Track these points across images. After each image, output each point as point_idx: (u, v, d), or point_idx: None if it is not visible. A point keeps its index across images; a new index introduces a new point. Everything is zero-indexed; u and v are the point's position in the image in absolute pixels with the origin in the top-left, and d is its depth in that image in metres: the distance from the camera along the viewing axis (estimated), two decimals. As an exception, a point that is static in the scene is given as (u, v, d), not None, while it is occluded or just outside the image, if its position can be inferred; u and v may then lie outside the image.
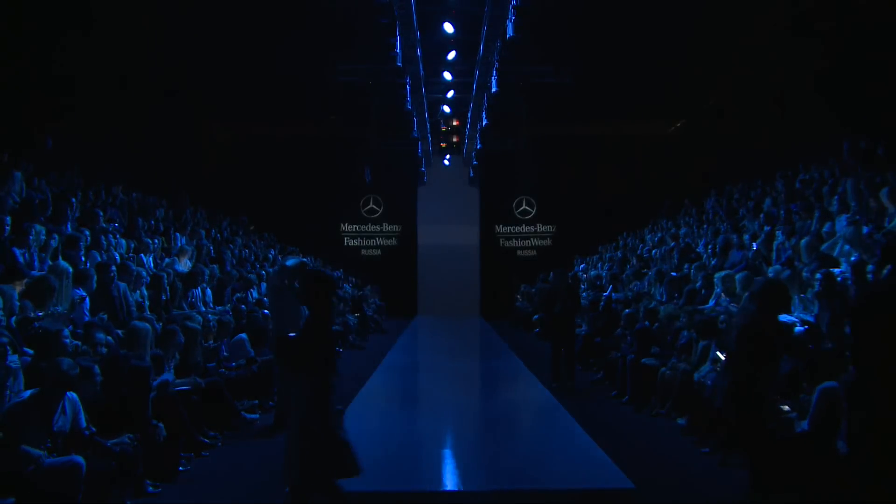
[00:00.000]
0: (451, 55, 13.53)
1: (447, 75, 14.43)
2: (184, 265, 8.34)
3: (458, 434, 6.33)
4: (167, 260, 8.35)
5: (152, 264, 7.90)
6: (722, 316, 6.08)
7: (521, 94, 15.31)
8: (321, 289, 3.59)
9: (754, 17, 11.27)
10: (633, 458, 5.05)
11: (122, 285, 6.16)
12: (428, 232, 20.24)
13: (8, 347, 4.00)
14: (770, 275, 6.47)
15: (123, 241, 8.03)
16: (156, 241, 8.86)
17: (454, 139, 19.12)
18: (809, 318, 5.37)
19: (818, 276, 5.49)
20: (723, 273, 7.11)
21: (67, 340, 4.49)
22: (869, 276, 5.45)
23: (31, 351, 4.42)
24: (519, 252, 19.26)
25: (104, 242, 7.36)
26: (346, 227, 19.32)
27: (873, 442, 3.53)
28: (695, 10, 11.46)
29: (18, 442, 3.64)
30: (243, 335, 6.81)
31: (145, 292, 6.62)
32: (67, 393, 3.91)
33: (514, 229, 19.44)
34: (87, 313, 5.53)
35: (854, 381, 3.88)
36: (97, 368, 4.29)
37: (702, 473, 4.70)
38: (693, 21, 11.90)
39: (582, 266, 15.00)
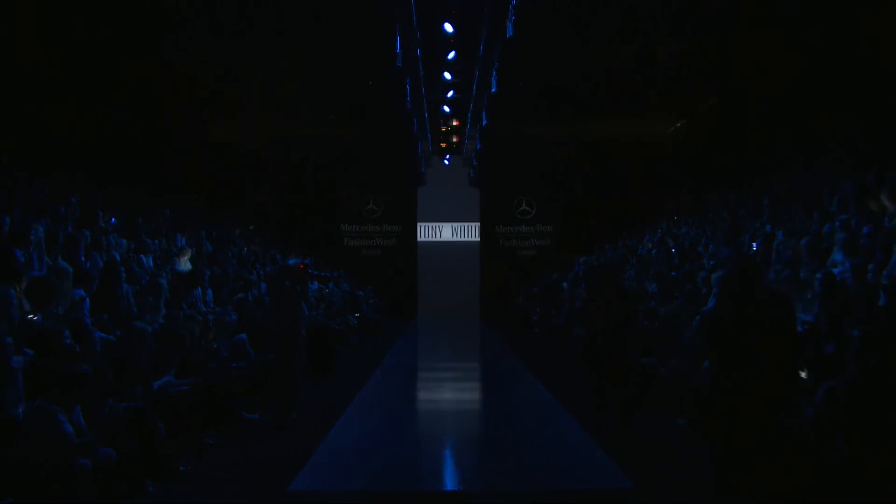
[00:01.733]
0: (451, 55, 13.54)
1: (447, 75, 14.44)
2: (184, 265, 8.35)
3: (458, 434, 6.33)
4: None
5: (152, 265, 7.90)
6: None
7: (521, 94, 15.30)
8: None
9: (754, 15, 11.26)
10: (633, 457, 5.05)
11: (126, 286, 6.16)
12: (428, 232, 20.32)
13: (12, 348, 4.02)
14: (772, 275, 6.41)
15: (124, 241, 8.02)
16: (156, 241, 8.86)
17: (454, 139, 19.13)
18: (809, 319, 5.37)
19: (818, 276, 5.49)
20: (718, 273, 7.10)
21: (68, 341, 4.48)
22: (869, 275, 5.45)
23: (30, 351, 4.42)
24: (519, 252, 19.26)
25: (104, 242, 7.36)
26: (346, 227, 19.31)
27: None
28: (695, 9, 11.44)
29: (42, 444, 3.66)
30: (243, 335, 6.82)
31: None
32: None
33: (514, 229, 19.43)
34: (87, 313, 5.53)
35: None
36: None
37: (702, 473, 4.69)
38: (692, 20, 11.89)
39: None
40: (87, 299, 5.69)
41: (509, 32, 11.20)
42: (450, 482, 4.95)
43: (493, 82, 13.32)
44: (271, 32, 12.52)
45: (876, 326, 3.93)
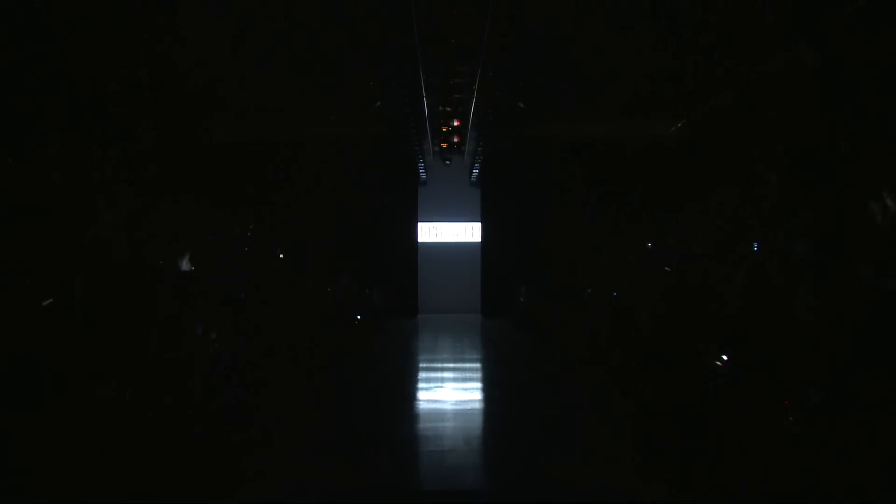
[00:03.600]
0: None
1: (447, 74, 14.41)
2: (185, 265, 8.34)
3: (458, 434, 6.33)
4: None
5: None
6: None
7: (521, 93, 15.30)
8: None
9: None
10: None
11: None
12: (428, 231, 20.40)
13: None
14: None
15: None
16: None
17: (454, 139, 19.14)
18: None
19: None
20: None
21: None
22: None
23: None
24: (519, 252, 19.26)
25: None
26: (345, 226, 19.30)
27: None
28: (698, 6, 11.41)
29: None
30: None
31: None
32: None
33: (513, 229, 19.43)
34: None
35: None
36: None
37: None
38: (693, 18, 11.87)
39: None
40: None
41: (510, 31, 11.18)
42: (451, 482, 4.94)
43: (494, 82, 13.31)
44: (269, 32, 12.52)
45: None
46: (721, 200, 12.96)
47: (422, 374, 10.13)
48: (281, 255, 10.38)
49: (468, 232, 20.77)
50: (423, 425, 6.71)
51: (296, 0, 11.51)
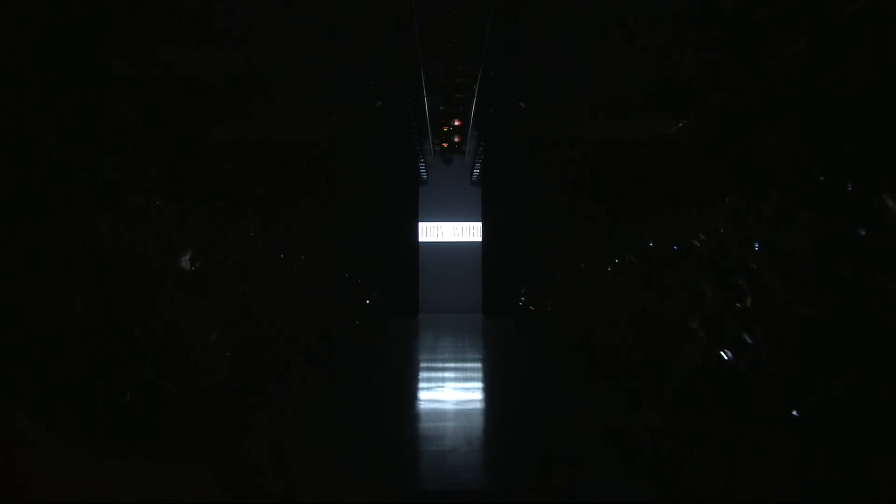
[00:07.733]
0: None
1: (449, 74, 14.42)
2: (185, 264, 8.33)
3: (459, 434, 6.33)
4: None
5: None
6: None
7: (522, 93, 15.31)
8: None
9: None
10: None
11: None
12: (429, 231, 20.42)
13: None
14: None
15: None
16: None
17: (455, 139, 19.16)
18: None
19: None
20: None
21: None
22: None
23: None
24: (520, 252, 19.30)
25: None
26: (347, 226, 19.33)
27: None
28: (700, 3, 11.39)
29: None
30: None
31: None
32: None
33: (515, 228, 19.45)
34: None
35: None
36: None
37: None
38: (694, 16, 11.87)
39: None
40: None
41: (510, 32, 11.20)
42: (451, 482, 4.94)
43: (496, 83, 13.34)
44: (268, 33, 12.53)
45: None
46: (720, 200, 12.96)
47: (423, 374, 10.13)
48: (281, 256, 10.36)
49: (469, 232, 20.80)
50: (424, 425, 6.71)
51: (297, 0, 11.54)
